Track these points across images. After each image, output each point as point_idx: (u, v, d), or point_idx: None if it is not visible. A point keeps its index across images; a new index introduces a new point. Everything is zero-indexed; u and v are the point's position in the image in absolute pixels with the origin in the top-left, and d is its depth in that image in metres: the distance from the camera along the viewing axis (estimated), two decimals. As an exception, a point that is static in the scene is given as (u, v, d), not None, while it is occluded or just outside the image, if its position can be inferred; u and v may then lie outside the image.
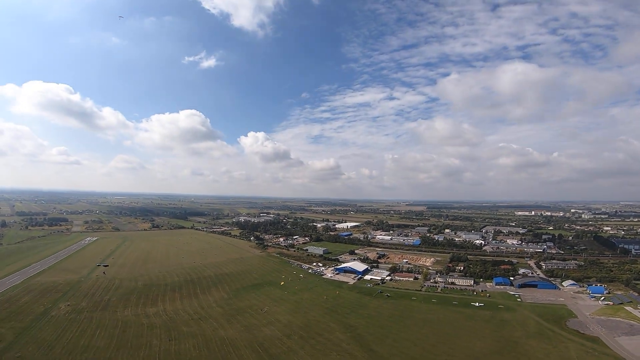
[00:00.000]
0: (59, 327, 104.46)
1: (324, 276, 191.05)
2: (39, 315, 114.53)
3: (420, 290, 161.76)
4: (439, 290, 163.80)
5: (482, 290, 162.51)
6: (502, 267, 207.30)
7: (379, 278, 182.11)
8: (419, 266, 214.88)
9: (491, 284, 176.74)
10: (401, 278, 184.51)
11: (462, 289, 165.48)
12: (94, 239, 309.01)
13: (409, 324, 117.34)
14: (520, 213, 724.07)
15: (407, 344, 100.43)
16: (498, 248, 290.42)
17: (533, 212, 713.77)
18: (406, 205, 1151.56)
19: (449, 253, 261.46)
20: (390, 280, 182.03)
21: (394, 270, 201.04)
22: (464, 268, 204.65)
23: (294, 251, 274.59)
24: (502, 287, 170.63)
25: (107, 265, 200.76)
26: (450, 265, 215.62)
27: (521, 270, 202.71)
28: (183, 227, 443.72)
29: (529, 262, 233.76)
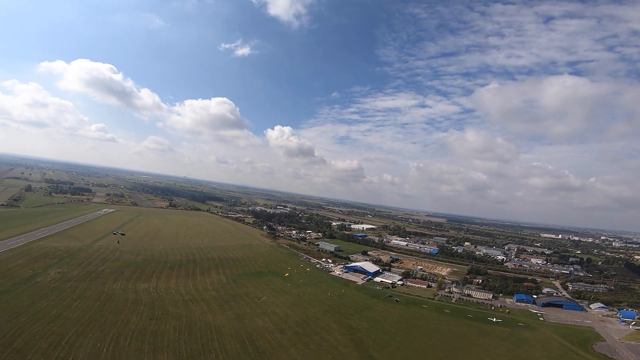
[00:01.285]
0: (37, 294, 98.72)
1: (331, 273, 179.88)
2: (23, 280, 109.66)
3: (433, 299, 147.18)
4: (453, 300, 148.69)
5: (501, 306, 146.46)
6: (525, 284, 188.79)
7: (390, 282, 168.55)
8: (434, 274, 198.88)
9: (511, 300, 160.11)
10: (414, 284, 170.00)
11: (478, 302, 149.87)
12: (110, 210, 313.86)
13: (416, 333, 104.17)
14: (546, 235, 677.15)
15: (411, 355, 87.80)
16: (521, 266, 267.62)
17: (560, 236, 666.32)
18: (425, 215, 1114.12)
19: (467, 265, 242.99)
20: (402, 285, 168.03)
21: (407, 275, 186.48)
22: (483, 281, 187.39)
23: (305, 245, 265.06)
24: (523, 304, 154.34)
25: (124, 234, 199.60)
26: (467, 277, 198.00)
27: (545, 290, 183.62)
28: (199, 209, 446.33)
29: (554, 282, 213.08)
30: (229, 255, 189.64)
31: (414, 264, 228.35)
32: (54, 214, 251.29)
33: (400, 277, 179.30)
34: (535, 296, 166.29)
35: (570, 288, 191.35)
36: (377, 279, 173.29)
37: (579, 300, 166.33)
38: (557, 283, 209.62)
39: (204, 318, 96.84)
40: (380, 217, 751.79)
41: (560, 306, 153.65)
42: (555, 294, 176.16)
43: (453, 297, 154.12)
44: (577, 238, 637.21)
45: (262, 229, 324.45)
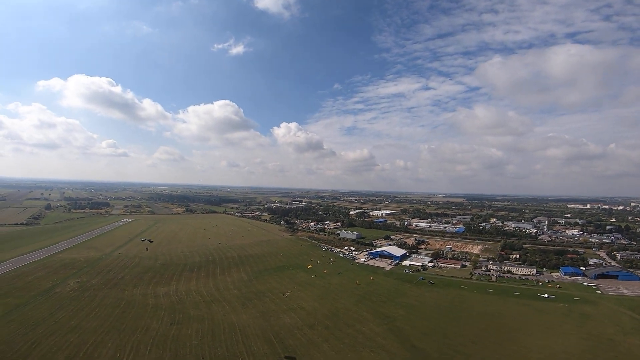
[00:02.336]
0: (55, 305, 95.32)
1: (356, 260, 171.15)
2: (42, 291, 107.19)
3: (471, 279, 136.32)
4: (493, 279, 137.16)
5: (549, 281, 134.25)
6: (569, 256, 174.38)
7: (420, 264, 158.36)
8: (466, 253, 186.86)
9: (558, 274, 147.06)
10: (446, 265, 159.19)
11: (522, 279, 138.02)
12: (129, 220, 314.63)
13: (461, 316, 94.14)
14: (573, 206, 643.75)
15: (462, 341, 78.02)
16: (557, 238, 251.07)
17: (588, 205, 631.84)
18: (443, 197, 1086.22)
19: (499, 241, 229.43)
20: (433, 266, 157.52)
21: (436, 256, 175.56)
22: (520, 257, 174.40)
23: (325, 235, 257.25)
24: (573, 277, 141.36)
25: (152, 241, 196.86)
26: (502, 253, 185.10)
27: (592, 261, 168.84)
28: (215, 212, 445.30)
29: (598, 252, 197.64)
30: (248, 253, 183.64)
31: (441, 245, 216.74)
32: (74, 228, 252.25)
33: (430, 259, 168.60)
34: (583, 268, 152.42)
35: (619, 257, 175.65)
36: (406, 263, 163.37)
37: (632, 270, 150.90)
38: (602, 253, 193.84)
39: (227, 319, 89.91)
40: (397, 203, 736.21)
41: (615, 277, 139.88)
42: (605, 265, 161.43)
43: (492, 275, 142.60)
44: (607, 206, 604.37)
45: (280, 224, 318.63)
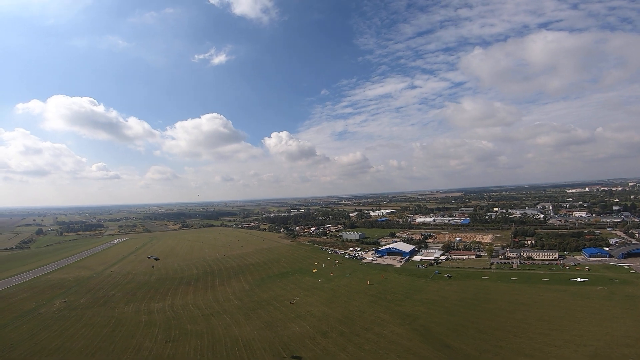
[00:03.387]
0: (38, 326, 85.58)
1: (363, 260, 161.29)
2: (24, 312, 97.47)
3: (490, 269, 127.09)
4: (514, 266, 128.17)
5: (575, 264, 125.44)
6: (587, 237, 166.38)
7: (432, 258, 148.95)
8: (478, 243, 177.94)
9: (581, 256, 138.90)
10: (459, 257, 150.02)
11: (545, 264, 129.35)
12: (123, 239, 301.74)
13: (491, 308, 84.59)
14: (572, 190, 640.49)
15: (502, 335, 68.42)
16: (566, 221, 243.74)
17: (587, 189, 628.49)
18: (441, 193, 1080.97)
19: (508, 229, 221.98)
20: (446, 259, 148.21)
21: (447, 248, 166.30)
22: (536, 242, 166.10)
23: (327, 238, 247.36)
24: (599, 258, 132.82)
25: (158, 259, 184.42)
26: (516, 240, 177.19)
27: (612, 240, 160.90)
28: (212, 226, 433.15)
29: (613, 232, 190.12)
30: (248, 262, 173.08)
31: (449, 237, 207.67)
32: (65, 250, 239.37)
33: (441, 252, 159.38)
34: (607, 248, 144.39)
35: (638, 235, 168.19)
36: (416, 258, 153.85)
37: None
38: (618, 232, 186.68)
39: (229, 332, 79.41)
40: (396, 202, 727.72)
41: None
42: (628, 243, 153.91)
43: (512, 262, 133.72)
44: (605, 188, 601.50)
45: (280, 232, 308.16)
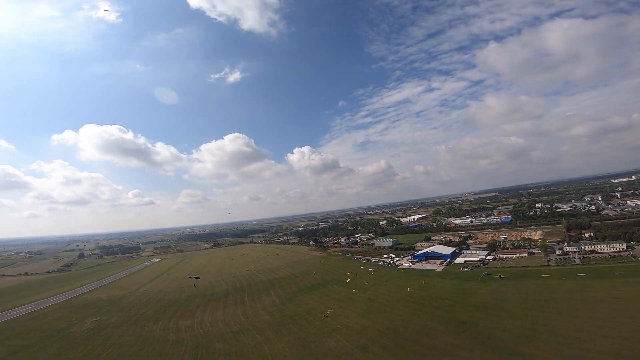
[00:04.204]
0: (66, 345, 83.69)
1: (400, 267, 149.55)
2: (55, 331, 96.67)
3: (548, 265, 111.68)
4: (577, 262, 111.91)
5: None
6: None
7: (477, 259, 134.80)
8: (528, 239, 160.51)
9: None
10: (509, 255, 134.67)
11: (613, 257, 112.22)
12: (158, 260, 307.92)
13: (563, 308, 71.25)
14: (618, 180, 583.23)
15: (584, 336, 56.05)
16: (622, 210, 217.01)
17: (634, 177, 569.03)
18: (473, 194, 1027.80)
19: (557, 224, 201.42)
20: (493, 259, 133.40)
21: (493, 248, 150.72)
22: (594, 234, 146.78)
23: (358, 247, 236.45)
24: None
25: (199, 278, 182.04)
26: (571, 234, 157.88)
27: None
28: (242, 243, 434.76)
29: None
30: (278, 275, 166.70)
31: (492, 236, 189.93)
32: (103, 271, 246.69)
33: (486, 252, 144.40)
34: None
35: None
36: (459, 260, 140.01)
37: None
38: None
39: (258, 350, 72.16)
40: (426, 207, 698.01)
41: None
42: None
43: (573, 258, 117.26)
44: None
45: (309, 245, 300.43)
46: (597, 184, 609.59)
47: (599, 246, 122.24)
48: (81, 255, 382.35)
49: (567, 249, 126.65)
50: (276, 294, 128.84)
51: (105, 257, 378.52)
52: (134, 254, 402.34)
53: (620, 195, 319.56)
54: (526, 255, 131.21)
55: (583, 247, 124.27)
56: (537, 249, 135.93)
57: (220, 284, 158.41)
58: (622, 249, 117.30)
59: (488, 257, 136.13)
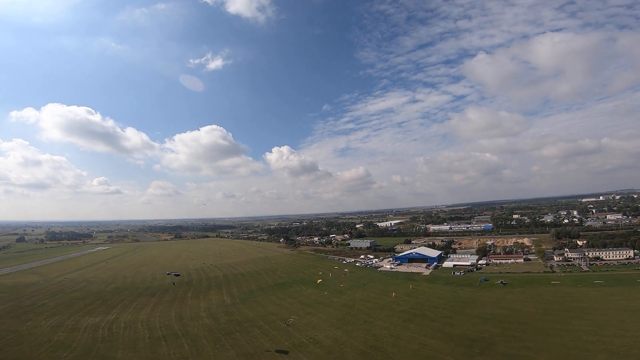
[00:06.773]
0: None
1: (380, 269, 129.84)
2: None
3: (553, 272, 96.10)
4: (584, 268, 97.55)
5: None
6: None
7: (468, 263, 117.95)
8: (521, 244, 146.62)
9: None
10: (503, 261, 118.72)
11: (621, 264, 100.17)
12: (106, 248, 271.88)
13: (603, 321, 53.30)
14: (586, 200, 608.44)
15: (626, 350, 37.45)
16: (604, 224, 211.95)
17: (602, 198, 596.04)
18: (446, 207, 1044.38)
19: (543, 233, 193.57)
20: (487, 264, 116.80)
21: (484, 252, 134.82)
22: (589, 242, 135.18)
23: (332, 247, 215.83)
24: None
25: (179, 275, 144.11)
26: (563, 241, 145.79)
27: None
28: (207, 236, 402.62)
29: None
30: (237, 271, 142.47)
31: (477, 242, 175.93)
32: (33, 256, 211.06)
33: (477, 257, 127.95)
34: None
35: None
36: (448, 264, 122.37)
37: None
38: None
39: (179, 368, 48.59)
40: (402, 215, 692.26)
41: None
42: None
43: (579, 264, 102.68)
44: (619, 196, 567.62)
45: (279, 242, 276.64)
46: (567, 202, 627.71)
47: (604, 253, 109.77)
48: (20, 239, 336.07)
49: (569, 255, 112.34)
50: (229, 292, 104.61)
51: (47, 242, 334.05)
52: (81, 240, 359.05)
53: (595, 211, 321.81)
54: (522, 261, 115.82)
55: (586, 254, 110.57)
56: (533, 254, 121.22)
57: (164, 277, 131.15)
58: (630, 256, 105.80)
59: (480, 262, 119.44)
